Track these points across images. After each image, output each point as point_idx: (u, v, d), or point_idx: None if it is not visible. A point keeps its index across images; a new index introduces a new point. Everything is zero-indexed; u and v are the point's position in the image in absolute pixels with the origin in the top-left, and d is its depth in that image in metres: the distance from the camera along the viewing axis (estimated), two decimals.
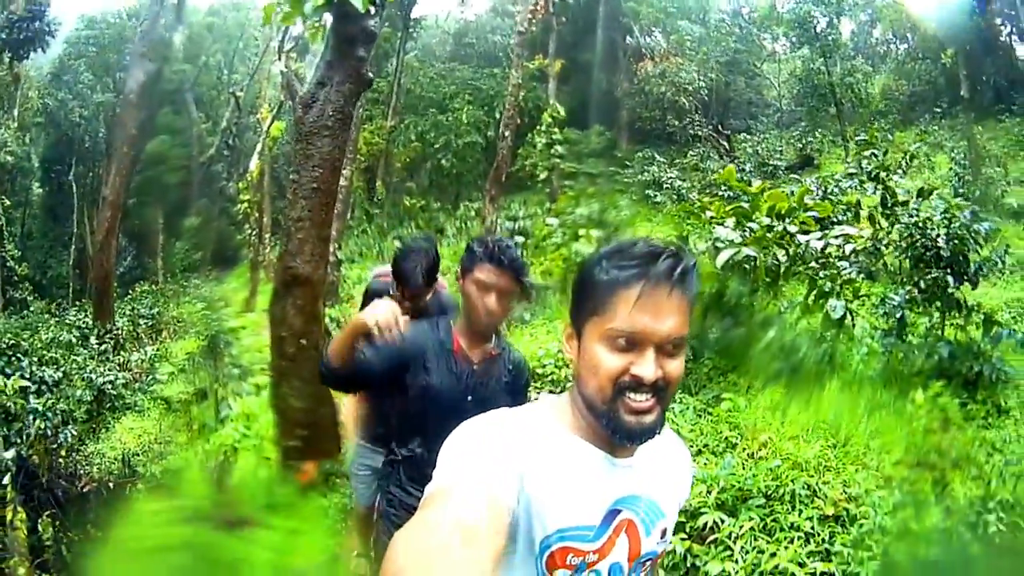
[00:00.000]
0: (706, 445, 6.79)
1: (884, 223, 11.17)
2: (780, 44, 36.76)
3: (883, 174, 11.73)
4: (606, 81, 36.13)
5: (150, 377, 14.68)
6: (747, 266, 9.10)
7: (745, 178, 22.58)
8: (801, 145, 31.60)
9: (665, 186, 25.35)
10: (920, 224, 9.25)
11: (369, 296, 5.07)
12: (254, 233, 27.30)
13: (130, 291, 28.78)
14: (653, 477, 1.80)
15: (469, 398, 3.34)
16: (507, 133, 21.28)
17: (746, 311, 9.07)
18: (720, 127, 32.80)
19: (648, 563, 1.83)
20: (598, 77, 36.04)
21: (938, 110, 32.95)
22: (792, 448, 6.29)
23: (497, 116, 31.84)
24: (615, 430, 1.63)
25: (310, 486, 6.43)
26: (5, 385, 9.20)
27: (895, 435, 6.75)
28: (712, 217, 9.60)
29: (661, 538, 1.83)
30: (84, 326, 19.38)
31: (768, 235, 9.23)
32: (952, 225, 8.98)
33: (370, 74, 6.59)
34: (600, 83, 36.06)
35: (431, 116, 34.72)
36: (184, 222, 35.91)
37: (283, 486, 6.28)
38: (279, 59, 24.87)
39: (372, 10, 6.11)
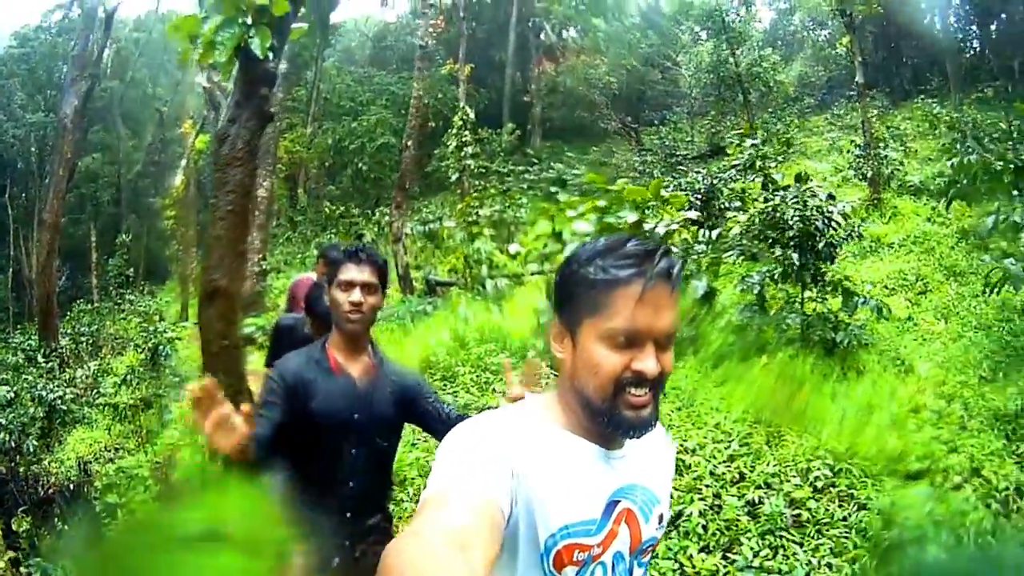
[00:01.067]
0: None
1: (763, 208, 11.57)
2: (693, 35, 36.70)
3: (760, 162, 12.49)
4: (520, 79, 36.87)
5: (95, 391, 15.38)
6: None
7: (648, 170, 23.35)
8: (711, 135, 32.23)
9: (569, 183, 25.29)
10: (773, 208, 10.31)
11: (278, 332, 5.59)
12: (181, 248, 27.78)
13: (68, 311, 28.69)
14: (645, 465, 1.83)
15: (356, 416, 3.33)
16: (410, 143, 21.67)
17: None
18: (630, 121, 33.46)
19: (649, 549, 1.86)
20: (512, 75, 36.67)
21: (852, 93, 32.40)
22: None
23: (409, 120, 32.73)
24: (616, 426, 1.66)
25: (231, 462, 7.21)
26: None
27: (739, 397, 7.66)
28: (578, 213, 10.57)
29: (659, 523, 1.86)
30: (28, 348, 19.96)
31: (618, 228, 10.31)
32: (806, 208, 10.02)
33: (272, 110, 7.61)
34: (515, 81, 36.69)
35: (346, 123, 35.24)
36: (116, 239, 35.32)
37: (211, 464, 7.22)
38: (202, 73, 25.45)
39: (271, 55, 7.09)
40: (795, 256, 9.94)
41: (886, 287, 13.62)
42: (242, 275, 7.63)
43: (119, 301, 28.82)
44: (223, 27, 6.99)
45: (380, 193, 33.61)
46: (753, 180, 12.75)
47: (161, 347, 14.59)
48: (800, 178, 12.35)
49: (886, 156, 20.11)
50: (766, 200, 11.23)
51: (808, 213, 10.16)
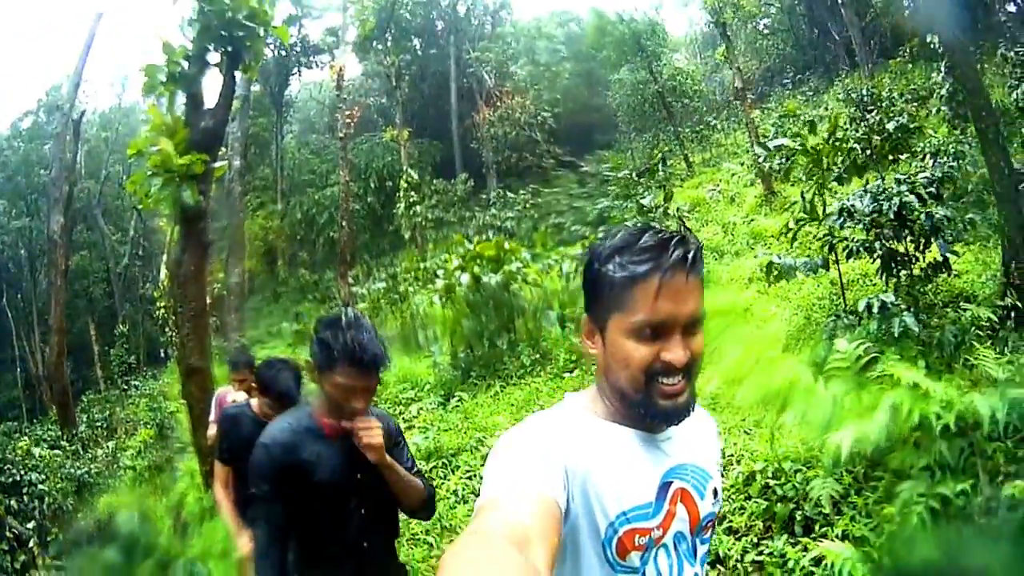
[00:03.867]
0: (431, 424, 10.43)
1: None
2: (614, 61, 36.68)
3: (627, 189, 13.96)
4: (468, 129, 37.99)
5: (115, 465, 17.99)
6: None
7: (584, 205, 23.05)
8: (650, 153, 30.83)
9: (498, 227, 26.46)
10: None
11: (226, 422, 5.38)
12: (174, 334, 29.29)
13: (79, 402, 29.20)
14: (691, 443, 1.86)
15: (360, 476, 3.17)
16: (344, 222, 23.22)
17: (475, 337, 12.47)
18: (569, 151, 34.53)
19: (709, 526, 1.88)
20: (458, 125, 37.96)
21: (787, 80, 34.85)
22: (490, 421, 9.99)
23: (371, 185, 34.19)
24: (652, 415, 1.70)
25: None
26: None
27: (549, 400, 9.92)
28: (445, 272, 12.72)
29: (714, 498, 1.88)
30: (50, 438, 21.94)
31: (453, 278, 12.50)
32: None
33: (209, 238, 10.61)
34: (462, 130, 37.97)
35: (311, 195, 36.68)
36: (114, 330, 36.47)
37: (207, 498, 9.71)
38: None
39: (200, 199, 9.98)
40: None
41: (748, 280, 14.47)
42: (209, 356, 10.51)
43: (125, 388, 30.34)
44: (163, 187, 9.87)
45: (354, 256, 31.58)
46: (628, 207, 13.67)
47: (166, 421, 17.24)
48: (667, 197, 13.88)
49: (777, 148, 19.58)
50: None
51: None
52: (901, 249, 9.00)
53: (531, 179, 35.52)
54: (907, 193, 8.61)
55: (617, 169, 14.53)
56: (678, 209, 14.14)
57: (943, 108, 16.57)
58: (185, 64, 10.50)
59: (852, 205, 8.98)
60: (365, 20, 34.98)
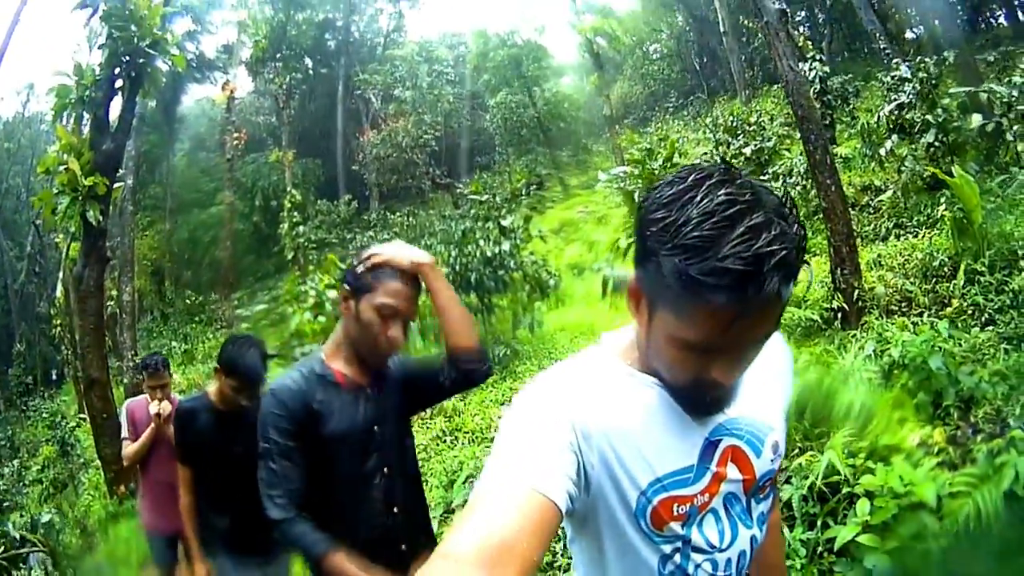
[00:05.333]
0: None
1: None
2: (493, 84, 37.79)
3: (491, 212, 14.39)
4: (353, 150, 38.69)
5: (21, 483, 18.32)
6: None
7: (451, 226, 23.63)
8: (530, 172, 33.21)
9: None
10: (462, 255, 13.00)
11: (181, 416, 4.57)
12: (70, 352, 29.14)
13: None
14: (746, 391, 1.54)
15: (376, 429, 2.77)
16: (229, 243, 23.65)
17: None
18: (446, 173, 35.42)
19: (768, 484, 1.62)
20: (343, 147, 38.50)
21: (669, 105, 35.73)
22: None
23: (255, 203, 34.42)
24: (691, 411, 1.48)
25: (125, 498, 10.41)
26: None
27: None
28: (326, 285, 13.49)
29: (774, 454, 1.60)
30: None
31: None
32: (480, 252, 12.73)
33: (108, 254, 11.67)
34: (347, 152, 38.57)
35: (196, 214, 36.75)
36: (11, 349, 35.92)
37: (113, 504, 10.61)
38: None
39: (101, 218, 10.62)
40: (473, 295, 12.52)
41: (602, 295, 14.31)
42: (106, 367, 11.21)
43: (24, 409, 30.19)
44: (69, 206, 10.51)
45: (236, 277, 33.94)
46: (490, 227, 13.93)
47: (67, 438, 17.59)
48: (527, 219, 14.82)
49: (618, 174, 19.31)
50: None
51: (467, 260, 12.59)
52: None
53: (410, 201, 37.15)
54: None
55: (479, 193, 14.93)
56: (539, 230, 15.18)
57: None
58: (92, 88, 11.37)
59: None
60: (258, 41, 35.51)
